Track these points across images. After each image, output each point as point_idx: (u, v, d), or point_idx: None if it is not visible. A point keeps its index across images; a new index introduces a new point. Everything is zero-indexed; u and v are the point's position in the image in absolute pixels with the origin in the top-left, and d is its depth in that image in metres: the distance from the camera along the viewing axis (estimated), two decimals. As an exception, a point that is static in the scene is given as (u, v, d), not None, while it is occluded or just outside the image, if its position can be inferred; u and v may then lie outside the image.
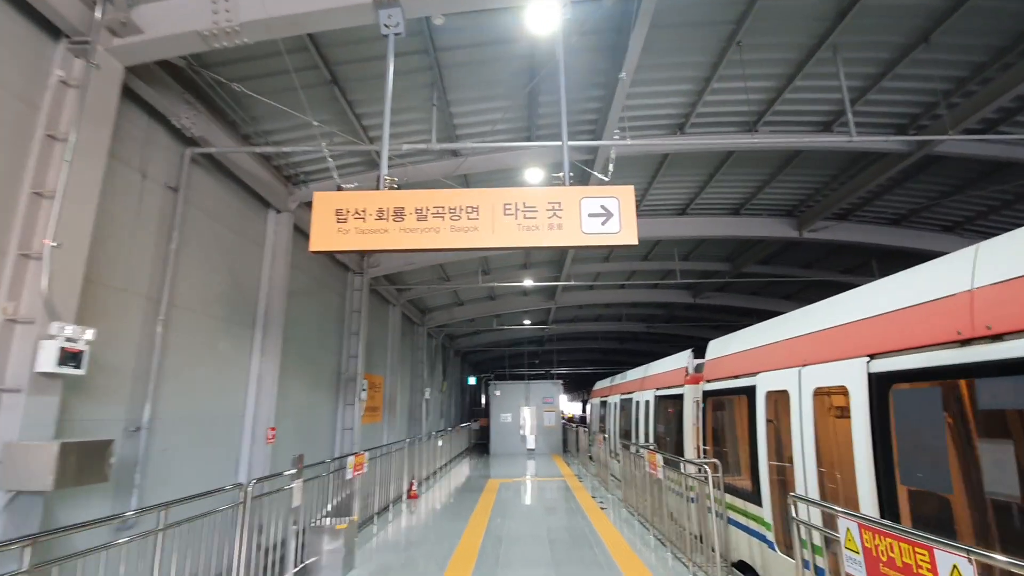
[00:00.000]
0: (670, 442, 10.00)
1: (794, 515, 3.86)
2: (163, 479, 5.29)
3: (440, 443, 16.61)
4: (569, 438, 22.28)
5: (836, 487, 4.86)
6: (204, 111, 5.87)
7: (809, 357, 5.05)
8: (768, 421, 5.81)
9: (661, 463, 7.54)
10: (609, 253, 13.15)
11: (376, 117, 7.15)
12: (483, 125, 7.83)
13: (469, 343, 25.64)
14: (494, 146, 7.65)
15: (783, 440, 5.74)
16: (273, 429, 6.76)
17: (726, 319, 20.97)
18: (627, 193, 3.75)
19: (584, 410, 63.23)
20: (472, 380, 29.63)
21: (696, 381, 8.82)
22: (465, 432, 23.14)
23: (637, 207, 3.67)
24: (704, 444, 7.87)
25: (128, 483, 4.79)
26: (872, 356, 3.84)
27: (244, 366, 6.69)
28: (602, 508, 10.31)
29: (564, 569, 6.56)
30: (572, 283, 12.05)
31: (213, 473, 6.01)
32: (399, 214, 3.69)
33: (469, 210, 3.69)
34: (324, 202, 3.76)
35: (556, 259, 14.17)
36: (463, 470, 16.98)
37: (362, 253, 9.58)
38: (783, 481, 5.74)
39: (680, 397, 9.18)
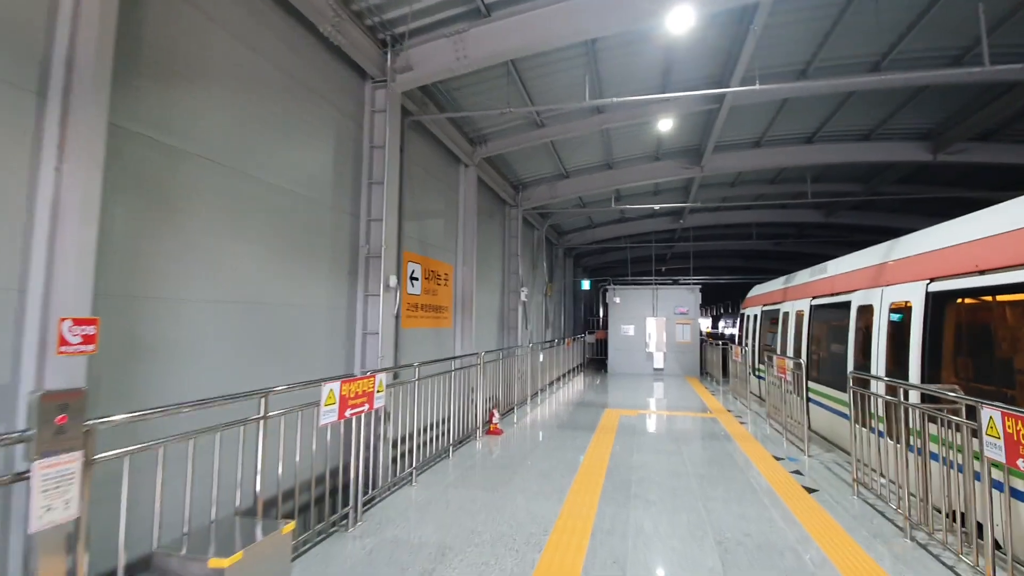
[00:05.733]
0: (975, 381, 4.90)
1: None
2: None
3: (541, 358, 12.81)
4: (709, 358, 17.39)
5: None
6: None
7: None
8: None
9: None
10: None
11: None
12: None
13: (581, 240, 20.94)
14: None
15: None
16: (88, 324, 2.98)
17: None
18: None
19: (715, 326, 56.42)
20: (586, 284, 25.17)
21: None
22: (578, 345, 19.24)
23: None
24: None
25: None
26: None
27: (12, 179, 2.89)
28: (810, 489, 5.69)
29: None
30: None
31: None
32: None
33: None
34: None
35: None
36: (572, 394, 13.11)
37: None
38: None
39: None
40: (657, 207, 15.10)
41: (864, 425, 5.76)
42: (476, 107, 8.28)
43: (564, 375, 15.86)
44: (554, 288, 19.82)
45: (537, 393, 12.24)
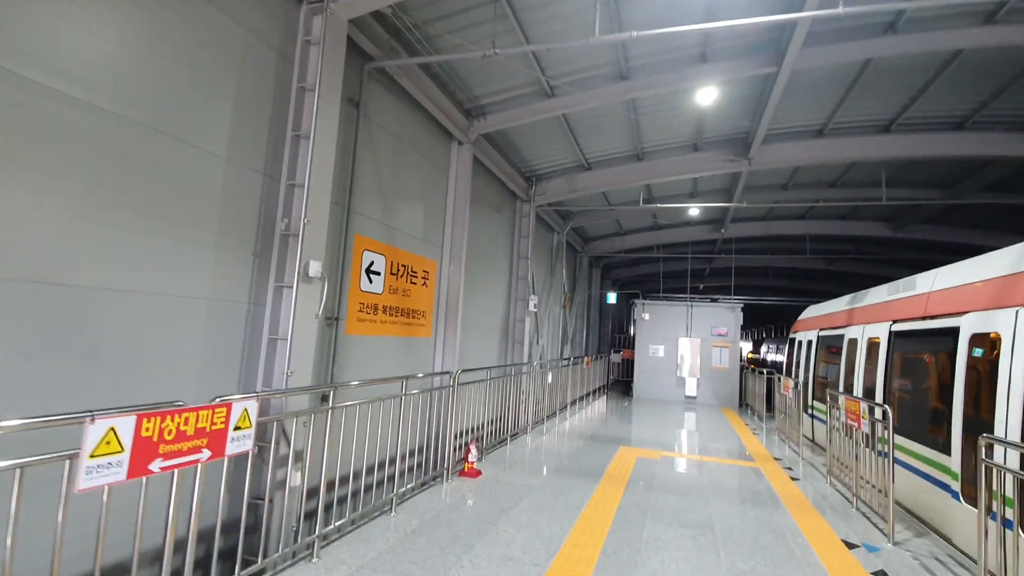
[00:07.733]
0: None
1: None
2: None
3: (550, 379, 10.99)
4: (750, 388, 15.11)
5: None
6: None
7: None
8: None
9: None
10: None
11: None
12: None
13: (609, 247, 18.95)
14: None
15: None
16: None
17: None
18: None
19: (758, 351, 52.65)
20: (612, 297, 23.02)
21: None
22: (601, 365, 17.26)
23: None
24: None
25: None
26: None
27: None
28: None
29: None
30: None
31: None
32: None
33: None
34: None
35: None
36: (585, 422, 11.17)
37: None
38: None
39: None
40: (695, 208, 13.08)
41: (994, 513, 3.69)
42: (457, 50, 6.50)
43: (582, 398, 13.91)
44: (573, 300, 17.90)
45: (544, 420, 10.38)
